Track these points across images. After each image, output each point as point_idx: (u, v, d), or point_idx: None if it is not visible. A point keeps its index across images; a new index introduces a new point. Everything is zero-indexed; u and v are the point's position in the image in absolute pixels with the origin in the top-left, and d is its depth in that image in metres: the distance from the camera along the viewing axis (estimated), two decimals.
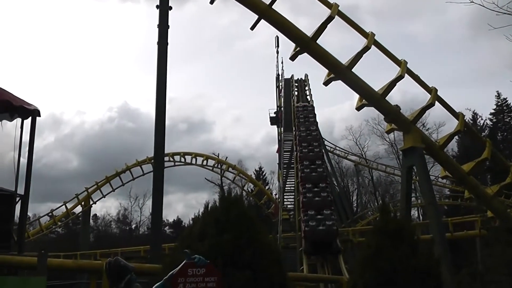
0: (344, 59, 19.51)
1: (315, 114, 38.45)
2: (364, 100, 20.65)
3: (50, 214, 48.32)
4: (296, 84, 50.79)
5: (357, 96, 21.10)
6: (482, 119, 60.91)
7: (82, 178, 78.70)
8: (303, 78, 50.97)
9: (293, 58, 19.71)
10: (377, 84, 20.22)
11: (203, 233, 7.75)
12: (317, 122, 38.05)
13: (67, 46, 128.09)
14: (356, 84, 19.68)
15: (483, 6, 8.10)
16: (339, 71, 19.30)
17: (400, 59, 19.81)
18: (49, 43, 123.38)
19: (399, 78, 19.47)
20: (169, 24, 18.91)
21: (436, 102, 20.51)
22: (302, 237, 27.17)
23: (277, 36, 50.38)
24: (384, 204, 13.21)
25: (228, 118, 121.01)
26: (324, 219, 26.87)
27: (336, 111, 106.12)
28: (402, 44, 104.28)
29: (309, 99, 46.19)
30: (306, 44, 18.68)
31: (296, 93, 48.93)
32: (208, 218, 8.09)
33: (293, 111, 41.34)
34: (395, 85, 19.74)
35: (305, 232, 26.74)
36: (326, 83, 20.09)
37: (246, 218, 8.01)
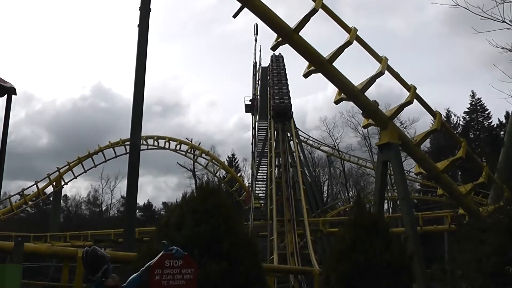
0: (320, 52, 19.40)
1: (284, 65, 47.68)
2: (343, 94, 20.63)
3: (21, 193, 47.61)
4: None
5: (330, 86, 21.25)
6: (459, 118, 61.83)
7: (52, 156, 77.86)
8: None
9: (274, 48, 19.56)
10: (356, 79, 20.26)
11: (180, 222, 7.66)
12: (292, 112, 41.40)
13: (41, 23, 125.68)
14: (336, 78, 19.61)
15: (469, 10, 8.08)
16: (320, 64, 19.19)
17: (381, 55, 19.81)
18: (23, 19, 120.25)
19: (379, 74, 19.47)
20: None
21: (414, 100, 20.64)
22: (270, 110, 41.47)
23: (256, 23, 50.17)
24: (359, 198, 13.33)
25: (202, 102, 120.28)
26: (284, 100, 41.64)
27: (309, 101, 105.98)
28: (379, 38, 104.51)
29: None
30: (288, 35, 18.50)
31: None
32: (186, 207, 7.98)
33: (269, 99, 43.35)
34: (375, 81, 19.72)
35: (272, 106, 40.85)
36: (306, 75, 20.01)
37: (223, 209, 7.94)
